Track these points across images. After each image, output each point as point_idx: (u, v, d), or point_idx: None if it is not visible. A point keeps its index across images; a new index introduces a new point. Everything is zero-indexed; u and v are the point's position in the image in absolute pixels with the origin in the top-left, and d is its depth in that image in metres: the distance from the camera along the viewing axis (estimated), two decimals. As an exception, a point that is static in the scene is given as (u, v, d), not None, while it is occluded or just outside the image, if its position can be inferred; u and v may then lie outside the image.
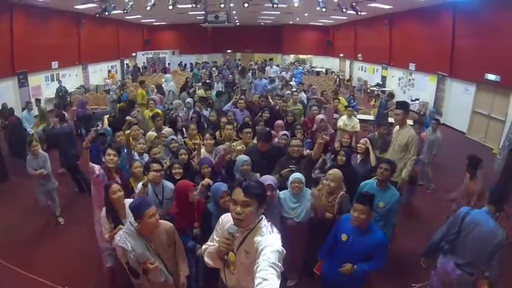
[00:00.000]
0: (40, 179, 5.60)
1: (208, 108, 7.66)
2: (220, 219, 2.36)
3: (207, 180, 4.07)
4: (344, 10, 12.82)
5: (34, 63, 13.21)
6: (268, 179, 3.75)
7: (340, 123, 6.97)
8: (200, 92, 9.45)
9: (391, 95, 10.85)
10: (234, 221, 2.06)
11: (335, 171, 3.98)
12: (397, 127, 5.29)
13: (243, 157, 4.33)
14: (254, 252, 1.98)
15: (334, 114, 7.87)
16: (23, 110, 10.31)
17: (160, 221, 3.00)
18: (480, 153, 9.43)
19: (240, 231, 2.08)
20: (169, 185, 4.04)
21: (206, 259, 2.32)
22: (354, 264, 3.16)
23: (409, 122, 7.69)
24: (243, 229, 2.09)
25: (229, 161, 4.45)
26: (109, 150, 4.31)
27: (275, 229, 2.13)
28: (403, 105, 5.33)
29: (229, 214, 2.17)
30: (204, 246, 2.39)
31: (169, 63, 24.92)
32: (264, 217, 2.16)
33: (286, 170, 4.27)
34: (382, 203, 3.95)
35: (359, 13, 13.28)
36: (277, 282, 1.69)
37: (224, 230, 2.15)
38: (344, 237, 3.25)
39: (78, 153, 6.69)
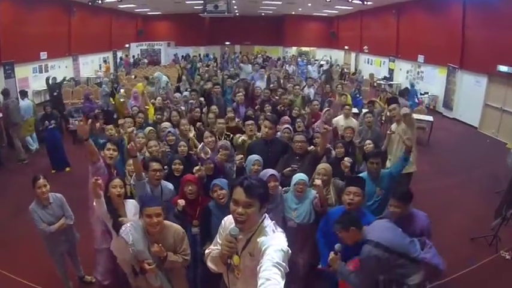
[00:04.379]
0: (59, 235, 3.95)
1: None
2: (223, 221, 2.32)
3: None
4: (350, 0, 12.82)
5: (22, 53, 13.04)
6: (270, 171, 3.76)
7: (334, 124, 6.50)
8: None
9: (407, 91, 10.70)
10: (235, 222, 2.02)
11: (325, 166, 4.05)
12: (394, 124, 5.31)
13: (254, 156, 4.20)
14: (258, 253, 1.95)
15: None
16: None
17: (172, 224, 2.98)
18: (493, 148, 9.63)
19: (243, 233, 2.05)
20: (169, 185, 3.95)
21: (209, 264, 2.28)
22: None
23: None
24: (246, 231, 2.05)
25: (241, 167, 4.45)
26: (108, 145, 4.16)
27: (279, 228, 2.11)
28: (396, 100, 5.38)
29: (231, 217, 2.14)
30: (207, 251, 2.35)
31: (175, 55, 24.86)
32: (267, 216, 2.13)
33: (288, 169, 4.26)
34: (379, 188, 4.07)
35: (365, 3, 13.28)
36: (282, 282, 1.67)
37: (227, 232, 2.10)
38: None
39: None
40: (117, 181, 3.48)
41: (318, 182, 3.72)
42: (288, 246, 1.96)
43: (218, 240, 2.29)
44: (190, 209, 3.64)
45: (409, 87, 12.06)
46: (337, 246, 3.01)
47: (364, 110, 10.86)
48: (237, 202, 1.99)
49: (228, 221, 2.24)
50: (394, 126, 5.46)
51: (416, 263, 2.93)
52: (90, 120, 4.50)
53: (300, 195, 3.82)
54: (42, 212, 3.81)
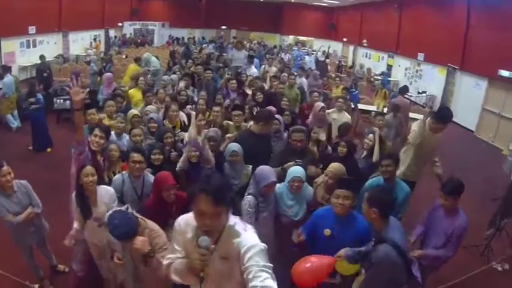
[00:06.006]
0: (28, 226, 3.71)
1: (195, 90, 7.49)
2: (176, 225, 2.11)
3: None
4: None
5: (9, 26, 12.62)
6: (271, 175, 3.39)
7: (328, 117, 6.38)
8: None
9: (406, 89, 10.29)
10: (202, 232, 1.87)
11: (337, 166, 3.72)
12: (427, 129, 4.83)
13: (233, 146, 4.09)
14: (235, 255, 1.88)
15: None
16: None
17: (149, 222, 2.86)
18: (489, 154, 9.59)
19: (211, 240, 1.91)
20: (151, 178, 3.72)
21: (173, 277, 2.06)
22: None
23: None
24: (213, 235, 1.91)
25: (219, 152, 4.29)
26: (96, 131, 3.92)
27: (247, 224, 2.01)
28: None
29: (185, 218, 2.04)
30: (165, 261, 2.12)
31: (169, 36, 24.63)
32: (229, 213, 1.98)
33: (290, 163, 4.02)
34: None
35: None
36: (275, 284, 1.72)
37: (191, 242, 1.97)
38: (327, 232, 3.10)
39: None
40: (88, 169, 3.30)
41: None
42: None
43: (176, 247, 2.09)
44: (166, 210, 3.38)
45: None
46: None
47: (360, 106, 10.87)
48: (203, 214, 1.80)
49: (184, 223, 2.06)
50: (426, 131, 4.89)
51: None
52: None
53: (297, 192, 3.59)
54: (7, 202, 3.53)
